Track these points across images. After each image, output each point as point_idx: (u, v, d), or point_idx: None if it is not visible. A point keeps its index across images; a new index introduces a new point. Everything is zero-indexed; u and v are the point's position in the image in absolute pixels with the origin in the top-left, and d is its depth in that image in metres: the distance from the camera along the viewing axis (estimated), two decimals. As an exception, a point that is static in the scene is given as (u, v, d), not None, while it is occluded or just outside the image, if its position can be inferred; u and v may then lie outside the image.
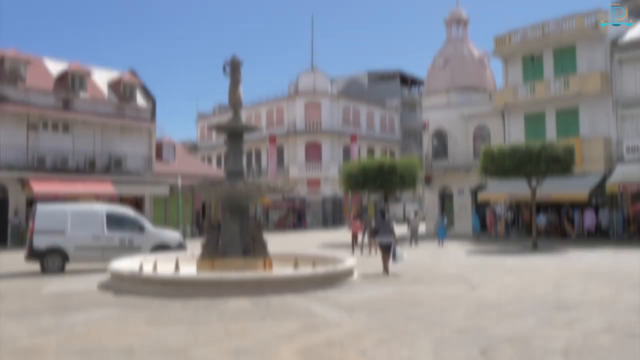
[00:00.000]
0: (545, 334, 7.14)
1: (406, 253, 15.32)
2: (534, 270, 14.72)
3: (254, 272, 12.07)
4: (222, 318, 8.48)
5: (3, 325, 8.12)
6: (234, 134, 13.84)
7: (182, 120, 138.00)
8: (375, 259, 16.41)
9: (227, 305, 9.52)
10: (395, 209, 51.99)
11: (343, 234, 34.43)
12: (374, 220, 16.24)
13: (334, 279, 11.96)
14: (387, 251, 14.49)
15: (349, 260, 13.43)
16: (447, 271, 14.87)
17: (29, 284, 13.00)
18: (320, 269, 12.27)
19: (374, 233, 16.32)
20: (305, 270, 12.38)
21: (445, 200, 37.39)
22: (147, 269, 12.79)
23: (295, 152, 49.59)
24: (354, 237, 21.76)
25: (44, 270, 15.40)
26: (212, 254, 13.09)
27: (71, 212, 16.24)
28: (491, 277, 13.35)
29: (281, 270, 12.97)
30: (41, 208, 16.16)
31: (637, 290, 10.80)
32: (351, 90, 55.62)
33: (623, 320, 7.94)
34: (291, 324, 7.96)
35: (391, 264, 14.35)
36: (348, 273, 12.82)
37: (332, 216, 48.68)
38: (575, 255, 19.05)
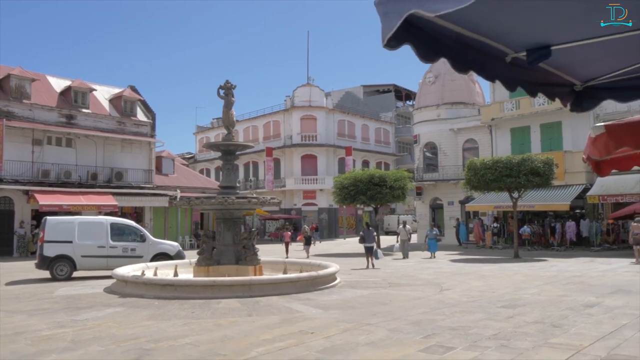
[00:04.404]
0: (484, 324, 8.44)
1: (382, 252, 19.43)
2: (504, 276, 15.99)
3: (244, 276, 13.35)
4: (214, 314, 9.78)
5: (25, 321, 9.41)
6: (228, 152, 15.19)
7: (181, 133, 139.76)
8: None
9: (219, 305, 10.81)
10: (390, 221, 53.10)
11: (337, 245, 35.72)
12: (362, 231, 21.04)
13: (317, 283, 13.23)
14: (370, 252, 19.74)
15: (332, 267, 14.68)
16: (424, 277, 16.12)
17: (42, 289, 14.28)
18: (304, 274, 13.57)
19: (361, 239, 20.49)
20: (290, 274, 13.70)
21: (436, 212, 38.71)
22: (148, 274, 14.14)
23: (292, 165, 50.81)
24: (286, 245, 27.04)
25: (54, 277, 16.67)
26: (207, 261, 14.39)
27: (78, 223, 17.57)
28: (462, 282, 14.61)
29: (269, 275, 14.28)
30: (51, 220, 17.49)
31: (586, 293, 12.09)
32: (346, 104, 56.94)
33: (556, 315, 9.23)
34: (273, 318, 9.27)
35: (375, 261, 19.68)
36: (331, 278, 14.09)
37: (327, 227, 49.87)
38: (550, 264, 20.30)
